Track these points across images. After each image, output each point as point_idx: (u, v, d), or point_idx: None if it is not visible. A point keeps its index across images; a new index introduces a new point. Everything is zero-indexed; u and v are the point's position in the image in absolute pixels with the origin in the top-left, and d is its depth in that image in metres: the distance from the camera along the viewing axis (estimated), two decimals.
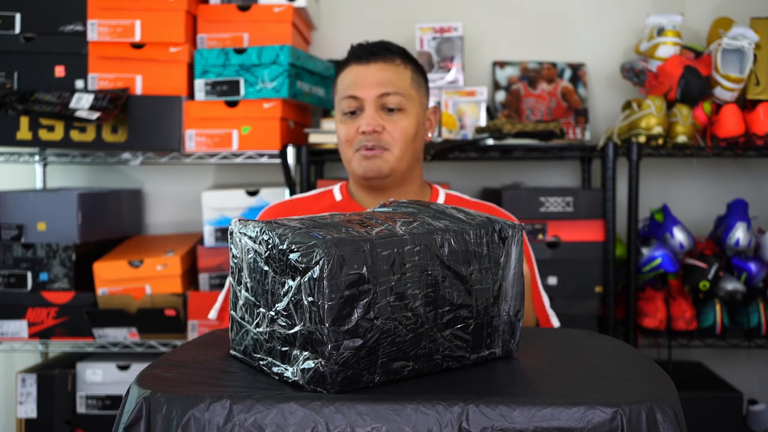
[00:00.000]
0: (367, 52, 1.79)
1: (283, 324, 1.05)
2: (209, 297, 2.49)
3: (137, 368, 2.52)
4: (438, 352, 1.09)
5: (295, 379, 1.03)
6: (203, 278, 2.59)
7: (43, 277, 2.48)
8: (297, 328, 1.03)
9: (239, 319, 1.14)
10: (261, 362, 1.10)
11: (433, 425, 0.95)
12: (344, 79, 1.81)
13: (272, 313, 1.07)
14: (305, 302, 1.00)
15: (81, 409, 2.54)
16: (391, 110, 1.76)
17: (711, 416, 2.49)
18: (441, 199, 1.88)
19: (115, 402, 2.53)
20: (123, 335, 2.49)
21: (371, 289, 1.01)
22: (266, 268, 1.07)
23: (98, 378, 2.54)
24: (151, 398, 0.97)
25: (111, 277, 2.48)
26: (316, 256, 0.98)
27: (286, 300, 1.04)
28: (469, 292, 1.10)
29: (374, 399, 0.98)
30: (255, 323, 1.10)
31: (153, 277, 2.48)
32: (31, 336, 2.49)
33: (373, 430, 0.95)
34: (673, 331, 2.54)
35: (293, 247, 1.02)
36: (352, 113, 1.78)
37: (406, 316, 1.04)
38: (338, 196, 1.88)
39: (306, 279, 1.00)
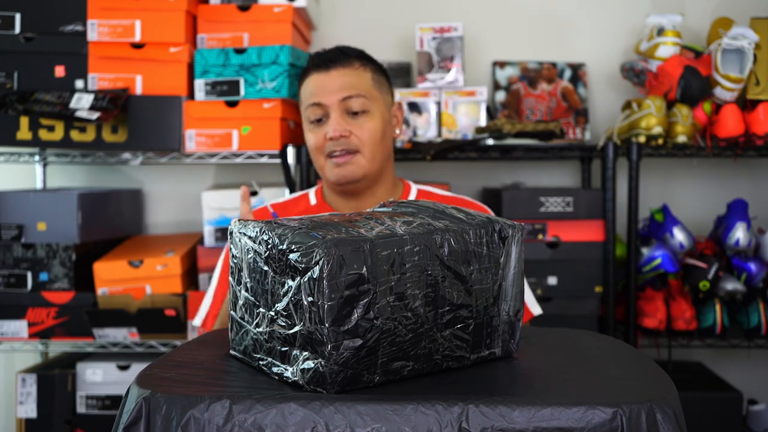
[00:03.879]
0: (325, 60, 1.81)
1: (283, 324, 1.05)
2: None
3: (137, 368, 2.52)
4: (438, 352, 1.09)
5: (295, 379, 1.03)
6: (203, 278, 2.59)
7: (43, 277, 2.48)
8: (297, 328, 1.03)
9: (239, 319, 1.14)
10: (261, 362, 1.10)
11: (432, 425, 0.95)
12: (306, 88, 1.83)
13: (272, 313, 1.07)
14: (305, 302, 1.00)
15: (81, 409, 2.54)
16: (355, 113, 1.78)
17: (711, 416, 2.49)
18: (412, 196, 1.89)
19: (115, 402, 2.53)
20: (123, 335, 2.49)
21: (371, 289, 1.01)
22: (266, 268, 1.07)
23: (98, 378, 2.55)
24: (151, 398, 0.97)
25: (111, 277, 2.48)
26: (315, 256, 0.98)
27: (285, 300, 1.04)
28: (468, 292, 1.10)
29: (374, 399, 0.97)
30: (255, 323, 1.10)
31: (153, 277, 2.48)
32: (31, 336, 2.49)
33: (372, 431, 0.95)
34: (673, 331, 2.54)
35: (293, 247, 1.02)
36: (318, 121, 1.80)
37: (406, 316, 1.04)
38: (313, 200, 1.91)
39: (306, 279, 1.00)
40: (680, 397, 1.06)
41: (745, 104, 2.59)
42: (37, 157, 2.84)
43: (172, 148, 2.51)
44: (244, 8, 2.55)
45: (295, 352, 1.04)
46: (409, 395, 0.99)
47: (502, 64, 2.86)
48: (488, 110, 2.74)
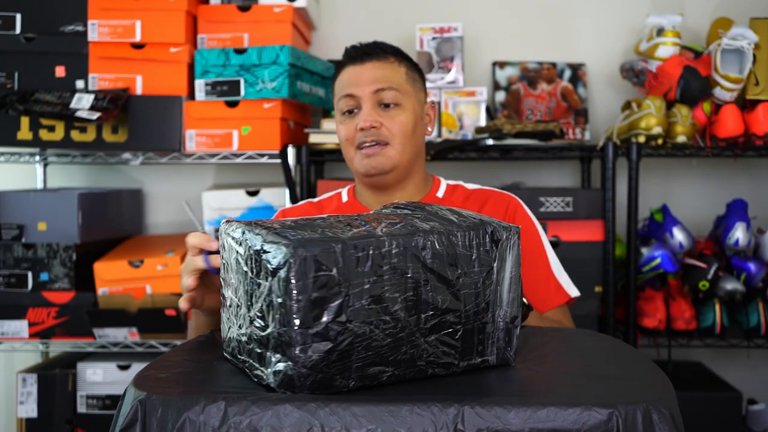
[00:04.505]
0: (361, 53, 1.81)
1: (258, 326, 1.04)
2: None
3: (137, 368, 2.53)
4: (421, 358, 1.06)
5: (269, 381, 1.03)
6: None
7: (44, 277, 2.48)
8: (269, 330, 1.02)
9: (226, 320, 1.15)
10: (245, 364, 1.10)
11: (428, 427, 0.95)
12: (341, 80, 1.83)
13: (251, 315, 1.06)
14: (276, 303, 1.00)
15: (81, 408, 2.55)
16: (387, 106, 1.78)
17: (711, 416, 2.49)
18: (442, 190, 1.89)
19: (115, 402, 2.53)
20: (123, 335, 2.49)
21: (343, 291, 0.99)
22: (246, 268, 1.06)
23: (99, 378, 2.55)
24: (147, 401, 0.97)
25: (111, 277, 2.48)
26: (284, 257, 0.98)
27: (261, 301, 1.03)
28: (456, 297, 1.07)
29: (370, 400, 0.97)
30: (238, 324, 1.10)
31: (153, 277, 2.49)
32: (32, 336, 2.49)
33: None
34: (673, 331, 2.54)
35: (266, 247, 1.01)
36: (350, 112, 1.79)
37: (383, 320, 1.02)
38: (345, 198, 1.90)
39: (276, 280, 0.99)
40: (680, 397, 1.06)
41: (745, 104, 2.59)
42: (37, 157, 2.85)
43: (173, 148, 2.51)
44: (244, 8, 2.55)
45: (269, 354, 1.03)
46: (404, 397, 0.99)
47: (502, 64, 2.86)
48: (488, 110, 2.74)
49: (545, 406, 0.97)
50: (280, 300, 0.99)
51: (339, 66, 1.85)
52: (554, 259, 1.87)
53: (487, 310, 1.11)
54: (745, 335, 2.57)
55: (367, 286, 1.01)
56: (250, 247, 1.05)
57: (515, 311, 1.14)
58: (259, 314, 1.04)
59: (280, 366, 1.00)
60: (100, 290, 2.48)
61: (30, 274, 2.49)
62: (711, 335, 2.54)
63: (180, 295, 2.46)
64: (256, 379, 1.07)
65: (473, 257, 1.09)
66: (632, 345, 2.46)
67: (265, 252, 1.01)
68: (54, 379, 2.56)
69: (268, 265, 1.00)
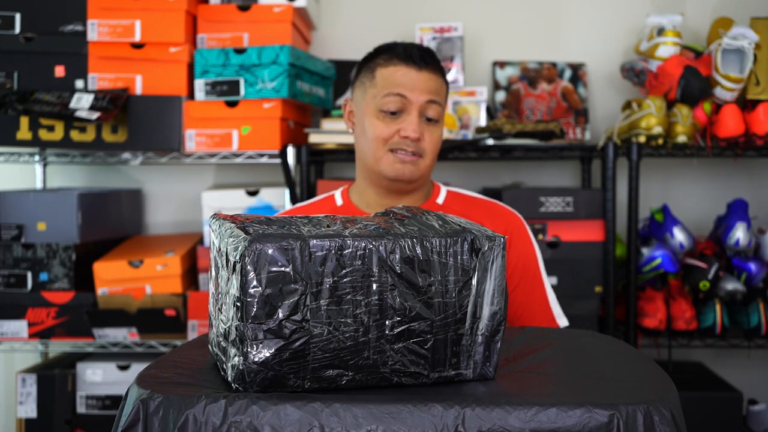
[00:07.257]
0: (417, 57, 1.76)
1: (223, 319, 1.05)
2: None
3: (137, 368, 2.52)
4: (386, 365, 1.03)
5: (228, 375, 1.03)
6: (203, 278, 2.59)
7: (43, 277, 2.48)
8: (229, 324, 1.03)
9: (210, 315, 1.16)
10: (217, 357, 1.11)
11: (429, 428, 0.95)
12: (389, 75, 1.76)
13: (220, 308, 1.08)
14: (234, 297, 1.00)
15: (81, 409, 2.54)
16: (428, 120, 1.76)
17: (711, 416, 2.49)
18: (442, 197, 1.87)
19: (115, 402, 2.53)
20: (123, 335, 2.49)
21: (299, 289, 0.98)
22: (220, 263, 1.07)
23: (98, 378, 2.55)
24: (149, 400, 0.98)
25: (111, 277, 2.48)
26: (241, 251, 0.98)
27: (227, 295, 1.04)
28: (427, 305, 1.04)
29: (371, 400, 0.97)
30: (216, 318, 1.12)
31: (153, 277, 2.48)
32: (31, 336, 2.49)
33: None
34: (673, 331, 2.54)
35: (229, 241, 1.02)
36: (393, 113, 1.75)
37: (344, 322, 1.00)
38: (339, 201, 1.88)
39: (235, 274, 0.99)
40: (680, 397, 1.06)
41: (745, 104, 2.58)
42: (37, 157, 2.84)
43: (172, 148, 2.51)
44: (244, 8, 2.55)
45: (229, 348, 1.03)
46: (405, 397, 0.99)
47: (502, 64, 2.86)
48: (488, 110, 2.74)
49: (546, 408, 0.97)
50: (237, 294, 0.98)
51: (384, 59, 1.78)
52: (549, 287, 1.88)
53: (464, 321, 1.06)
54: (746, 335, 2.57)
55: (327, 286, 0.99)
56: (220, 240, 1.06)
57: (497, 325, 1.09)
58: (225, 308, 1.04)
59: (235, 360, 1.00)
60: (100, 290, 2.48)
61: (29, 274, 2.48)
62: (711, 335, 2.54)
63: (179, 295, 2.46)
64: (223, 373, 1.07)
65: (449, 265, 1.05)
66: (632, 345, 2.46)
67: (228, 246, 1.02)
68: (53, 380, 2.55)
69: (231, 259, 1.01)
